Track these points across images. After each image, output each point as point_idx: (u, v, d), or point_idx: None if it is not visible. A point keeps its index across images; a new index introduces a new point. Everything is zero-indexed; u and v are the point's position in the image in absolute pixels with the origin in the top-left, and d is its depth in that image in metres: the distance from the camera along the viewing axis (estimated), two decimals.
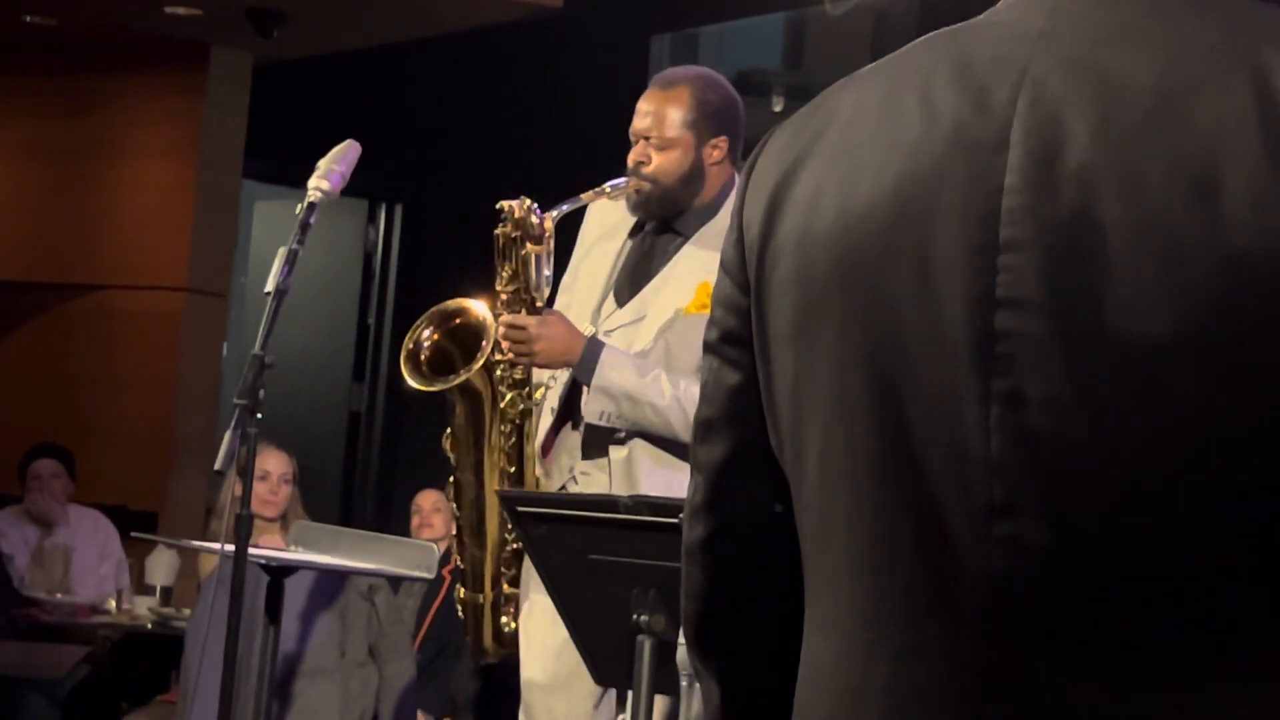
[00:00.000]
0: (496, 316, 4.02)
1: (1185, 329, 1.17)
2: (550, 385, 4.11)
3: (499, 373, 4.04)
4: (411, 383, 4.07)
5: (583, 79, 8.68)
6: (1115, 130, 1.21)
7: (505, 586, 4.13)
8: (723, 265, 1.40)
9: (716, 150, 4.03)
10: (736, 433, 1.39)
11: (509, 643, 4.15)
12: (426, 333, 4.11)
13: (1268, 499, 1.18)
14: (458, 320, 4.11)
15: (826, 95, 1.38)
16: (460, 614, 4.23)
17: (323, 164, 3.67)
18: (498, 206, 4.01)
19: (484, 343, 4.01)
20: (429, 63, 9.39)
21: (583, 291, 4.13)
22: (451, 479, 4.16)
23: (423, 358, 4.10)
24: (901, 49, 1.36)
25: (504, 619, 4.14)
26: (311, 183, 3.64)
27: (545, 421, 4.08)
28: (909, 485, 1.25)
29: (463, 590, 4.18)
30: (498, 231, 4.00)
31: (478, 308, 4.09)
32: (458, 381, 4.02)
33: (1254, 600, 1.19)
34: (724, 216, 4.02)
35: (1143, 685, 1.20)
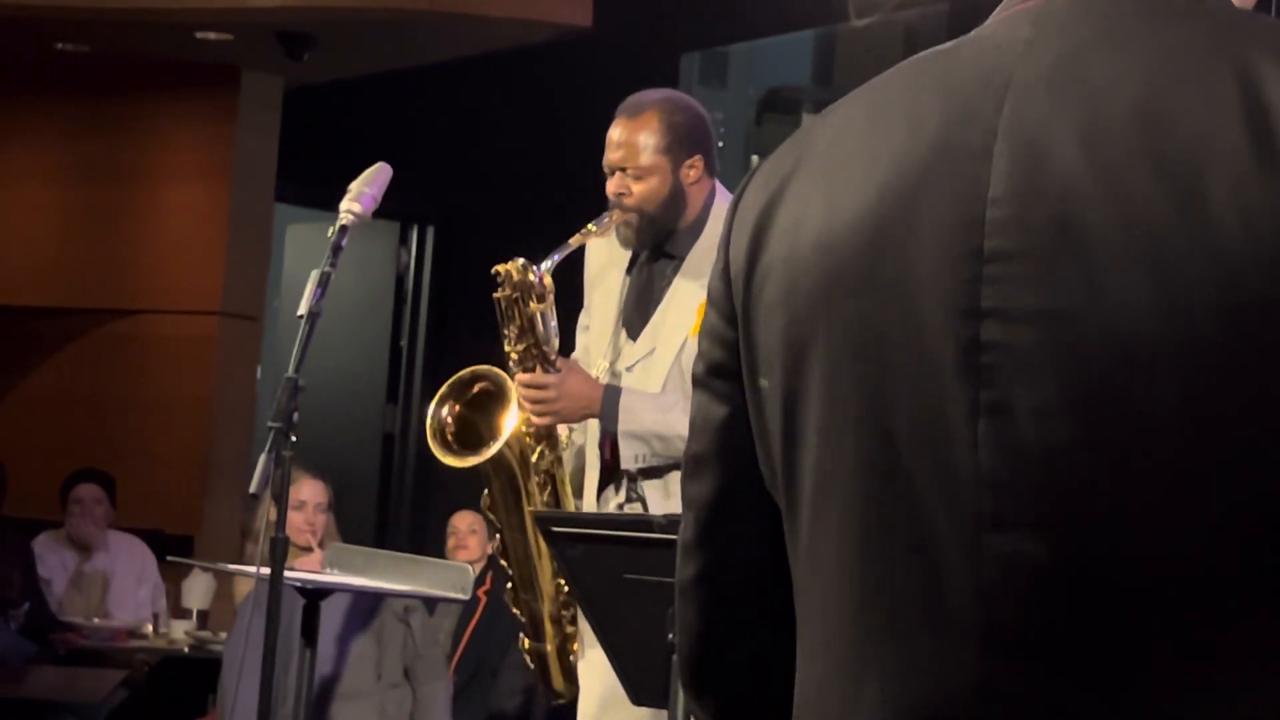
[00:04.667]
0: (512, 376, 4.04)
1: (1173, 334, 1.16)
2: (573, 429, 4.13)
3: (527, 432, 4.07)
4: (444, 460, 4.11)
5: (613, 98, 8.66)
6: (1099, 137, 1.20)
7: (567, 628, 4.15)
8: (709, 298, 1.39)
9: (693, 170, 4.04)
10: (725, 467, 1.37)
11: (577, 679, 4.16)
12: (445, 409, 4.14)
13: (1264, 506, 1.16)
14: (475, 388, 4.14)
15: (811, 122, 1.38)
16: (529, 664, 4.25)
17: (354, 186, 3.68)
18: (493, 271, 4.03)
19: (504, 415, 4.05)
20: (459, 84, 9.41)
21: (596, 330, 4.16)
22: (498, 537, 4.19)
23: (449, 435, 4.13)
24: (889, 70, 1.35)
25: (571, 659, 4.17)
26: (343, 205, 3.65)
27: (591, 477, 4.09)
28: (898, 502, 1.24)
29: (527, 641, 4.21)
30: (497, 295, 4.02)
31: (493, 374, 4.11)
32: (491, 454, 4.05)
33: (1250, 610, 1.17)
34: (711, 231, 4.04)
35: (1138, 697, 1.18)
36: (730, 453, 1.36)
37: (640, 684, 3.31)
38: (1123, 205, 1.18)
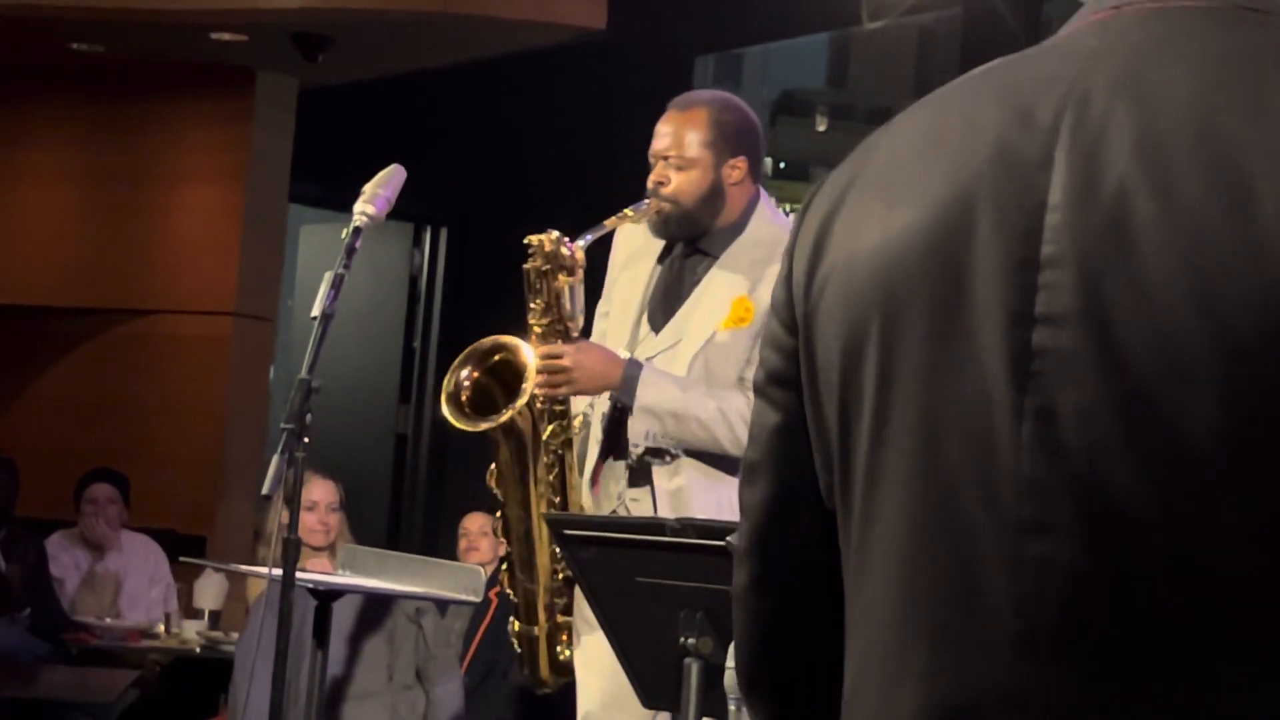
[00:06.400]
0: (534, 349, 4.03)
1: (1215, 344, 1.16)
2: (589, 413, 4.11)
3: (539, 405, 4.05)
4: (455, 424, 4.08)
5: (626, 101, 8.68)
6: (1154, 146, 1.20)
7: (559, 616, 4.13)
8: (772, 306, 1.40)
9: (736, 170, 4.04)
10: (781, 474, 1.38)
11: (566, 671, 4.15)
12: (465, 372, 4.12)
13: None
14: (496, 357, 4.13)
15: (878, 130, 1.39)
16: (516, 647, 4.23)
17: (368, 188, 3.68)
18: (525, 241, 4.02)
19: (525, 381, 4.02)
20: (473, 86, 9.42)
21: (616, 319, 4.14)
22: (499, 514, 4.17)
23: (464, 398, 4.11)
24: (956, 79, 1.36)
25: (559, 648, 4.15)
26: (357, 207, 3.65)
27: (593, 453, 4.09)
28: (942, 506, 1.25)
29: (517, 624, 4.19)
30: (527, 266, 4.02)
31: (516, 343, 4.10)
32: (503, 420, 4.03)
33: None
34: (751, 233, 4.04)
35: (1172, 703, 1.18)
36: (786, 460, 1.37)
37: (651, 686, 3.31)
38: (1172, 213, 1.18)
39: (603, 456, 4.08)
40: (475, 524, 7.41)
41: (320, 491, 5.98)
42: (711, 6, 8.62)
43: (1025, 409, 1.21)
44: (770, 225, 4.07)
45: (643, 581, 3.21)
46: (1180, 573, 1.18)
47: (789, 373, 1.36)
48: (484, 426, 4.06)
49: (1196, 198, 1.18)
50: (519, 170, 9.55)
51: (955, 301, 1.25)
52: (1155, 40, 1.26)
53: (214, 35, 8.33)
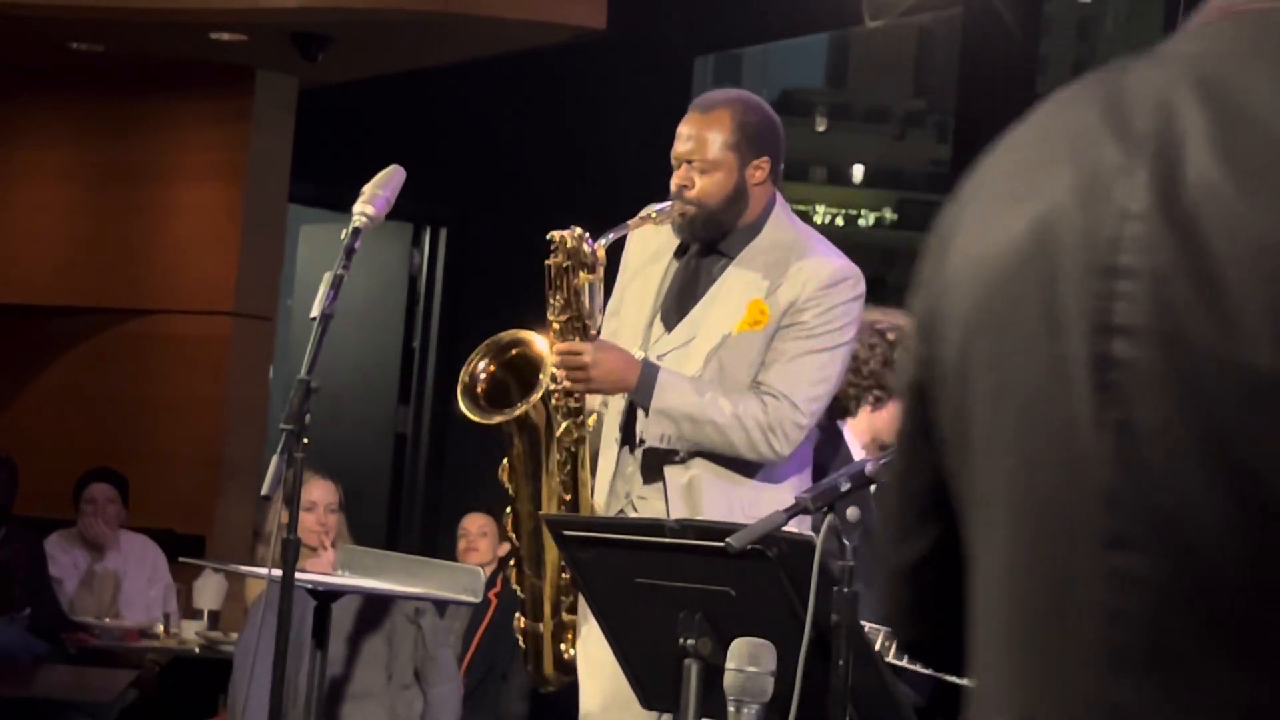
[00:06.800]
0: (551, 345, 4.03)
1: None
2: (603, 411, 4.12)
3: (554, 401, 4.06)
4: (470, 415, 4.08)
5: (626, 101, 8.68)
6: (1232, 154, 1.19)
7: (564, 615, 4.14)
8: (911, 311, 1.41)
9: (759, 171, 4.05)
10: (917, 479, 1.40)
11: (569, 669, 4.15)
12: (482, 364, 4.13)
13: None
14: (513, 351, 4.13)
15: (1011, 127, 1.39)
16: (520, 643, 4.23)
17: (368, 189, 3.68)
18: (548, 237, 4.02)
19: (541, 374, 4.03)
20: (473, 86, 9.42)
21: (630, 316, 4.14)
22: (509, 509, 4.18)
23: (479, 390, 4.11)
24: (1080, 78, 1.36)
25: (563, 646, 4.15)
26: (356, 208, 3.65)
27: (608, 451, 4.09)
28: (1037, 516, 1.25)
29: (522, 620, 4.20)
30: (549, 262, 4.02)
31: (533, 338, 4.10)
32: (518, 413, 4.03)
33: None
34: (767, 235, 4.05)
35: None
36: (921, 461, 1.39)
37: (651, 687, 3.31)
38: (1247, 224, 1.17)
39: (619, 451, 4.08)
40: (474, 524, 7.41)
41: (319, 492, 5.97)
42: (711, 6, 8.62)
43: (1105, 421, 1.21)
44: (787, 229, 4.08)
45: (642, 582, 3.21)
46: (1262, 597, 1.17)
47: (921, 376, 1.37)
48: (498, 419, 4.06)
49: (1270, 210, 1.16)
50: (519, 170, 9.55)
51: (1042, 312, 1.25)
52: (1244, 47, 1.24)
53: (214, 35, 8.33)
